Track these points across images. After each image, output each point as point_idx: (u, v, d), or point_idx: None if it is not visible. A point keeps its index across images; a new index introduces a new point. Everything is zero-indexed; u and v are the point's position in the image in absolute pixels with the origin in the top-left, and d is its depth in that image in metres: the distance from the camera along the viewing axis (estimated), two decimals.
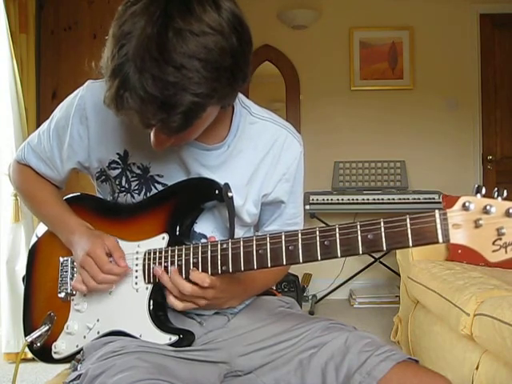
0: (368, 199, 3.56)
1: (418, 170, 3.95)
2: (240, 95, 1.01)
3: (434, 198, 3.50)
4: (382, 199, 3.57)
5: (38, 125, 1.12)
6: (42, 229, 1.18)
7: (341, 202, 3.59)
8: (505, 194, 0.70)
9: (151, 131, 0.85)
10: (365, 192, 3.65)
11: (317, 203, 3.59)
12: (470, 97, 4.07)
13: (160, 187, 1.03)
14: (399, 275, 2.77)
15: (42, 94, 2.86)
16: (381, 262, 3.78)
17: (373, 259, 3.79)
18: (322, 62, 4.09)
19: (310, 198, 3.57)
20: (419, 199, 3.54)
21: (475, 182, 4.04)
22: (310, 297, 3.79)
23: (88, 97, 1.02)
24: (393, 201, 3.56)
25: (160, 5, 0.75)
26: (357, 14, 4.07)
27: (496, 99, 4.10)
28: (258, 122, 1.06)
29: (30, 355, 1.13)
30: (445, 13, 4.05)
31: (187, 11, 0.74)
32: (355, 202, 3.57)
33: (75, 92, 1.05)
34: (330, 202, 3.60)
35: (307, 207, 3.53)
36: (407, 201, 3.56)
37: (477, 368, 1.68)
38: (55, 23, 2.91)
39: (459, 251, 2.43)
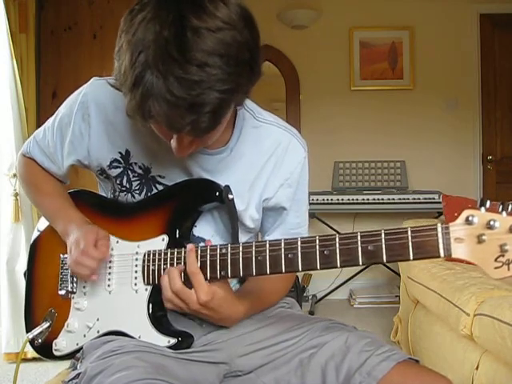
0: (368, 199, 3.56)
1: (418, 170, 3.95)
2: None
3: (433, 198, 3.50)
4: (382, 199, 3.56)
5: (38, 125, 1.13)
6: (43, 224, 1.18)
7: (341, 202, 3.59)
8: (509, 208, 0.68)
9: (172, 139, 0.84)
10: (365, 192, 3.65)
11: (317, 203, 3.59)
12: (470, 97, 4.07)
13: (161, 188, 1.03)
14: (399, 275, 2.77)
15: (42, 94, 2.87)
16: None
17: None
18: (322, 62, 4.09)
19: (310, 198, 3.57)
20: (419, 199, 3.54)
21: (475, 182, 4.04)
22: (310, 297, 3.79)
23: (92, 94, 1.02)
24: (393, 201, 3.56)
25: (171, 7, 0.74)
26: (357, 14, 4.07)
27: (496, 99, 4.10)
28: (262, 125, 1.05)
29: (30, 355, 1.13)
30: (445, 13, 4.05)
31: (200, 9, 0.74)
32: (355, 202, 3.57)
33: (80, 89, 1.06)
34: (330, 202, 3.60)
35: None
36: (407, 201, 3.56)
37: (477, 368, 1.68)
38: (55, 23, 2.91)
39: None
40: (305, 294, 3.73)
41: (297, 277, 3.37)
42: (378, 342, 0.93)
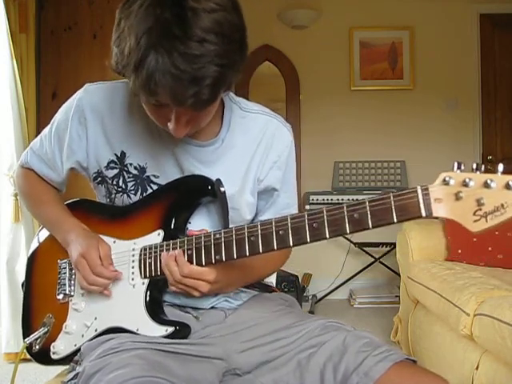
0: None
1: (418, 169, 3.95)
2: (229, 93, 1.07)
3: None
4: None
5: (38, 125, 1.16)
6: (42, 235, 1.21)
7: (341, 202, 3.59)
8: (482, 168, 0.72)
9: (169, 122, 0.89)
10: (365, 192, 3.65)
11: (317, 203, 3.59)
12: (470, 97, 4.07)
13: (155, 187, 1.06)
14: (399, 275, 2.77)
15: (42, 94, 2.86)
16: (381, 262, 3.78)
17: (373, 259, 3.79)
18: (322, 61, 4.09)
19: (310, 198, 3.57)
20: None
21: None
22: (310, 297, 3.79)
23: (86, 99, 1.07)
24: None
25: None
26: (357, 14, 4.07)
27: (496, 99, 4.10)
28: (249, 115, 1.11)
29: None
30: (445, 13, 4.05)
31: None
32: None
33: (74, 95, 1.10)
34: (329, 202, 3.60)
35: (307, 207, 3.53)
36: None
37: (477, 368, 1.69)
38: (55, 23, 2.90)
39: (459, 251, 2.43)
40: (305, 294, 3.73)
41: (297, 277, 3.37)
42: (376, 342, 0.93)
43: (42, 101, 2.85)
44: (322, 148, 4.02)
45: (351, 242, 3.81)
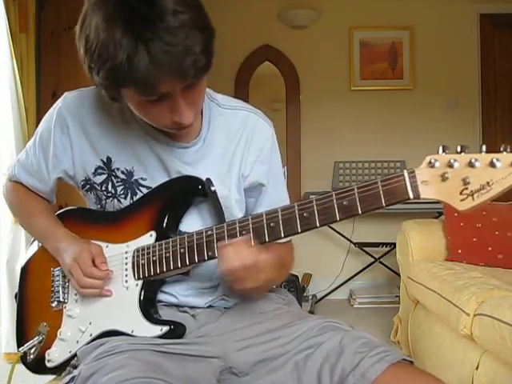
0: None
1: None
2: (208, 90, 1.06)
3: (433, 198, 3.49)
4: None
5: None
6: (34, 247, 1.21)
7: None
8: (467, 150, 0.74)
9: (174, 113, 0.89)
10: None
11: None
12: (470, 97, 4.07)
13: (145, 190, 1.06)
14: (399, 275, 2.77)
15: (42, 94, 2.86)
16: (381, 262, 3.78)
17: (373, 259, 3.79)
18: (322, 61, 4.09)
19: (310, 198, 3.56)
20: (419, 199, 3.53)
21: None
22: (310, 297, 3.79)
23: (66, 107, 1.07)
24: None
25: None
26: (357, 14, 4.07)
27: (496, 99, 4.10)
28: (228, 111, 1.11)
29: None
30: (445, 13, 4.05)
31: None
32: None
33: (54, 105, 1.10)
34: None
35: None
36: (407, 201, 3.55)
37: (477, 368, 1.68)
38: (55, 23, 2.90)
39: (459, 251, 2.43)
40: (305, 294, 3.73)
41: (297, 277, 3.37)
42: (373, 342, 0.92)
43: (42, 101, 2.85)
44: (322, 148, 4.02)
45: (351, 241, 3.81)
